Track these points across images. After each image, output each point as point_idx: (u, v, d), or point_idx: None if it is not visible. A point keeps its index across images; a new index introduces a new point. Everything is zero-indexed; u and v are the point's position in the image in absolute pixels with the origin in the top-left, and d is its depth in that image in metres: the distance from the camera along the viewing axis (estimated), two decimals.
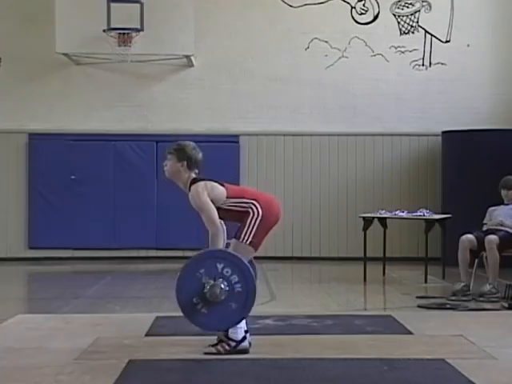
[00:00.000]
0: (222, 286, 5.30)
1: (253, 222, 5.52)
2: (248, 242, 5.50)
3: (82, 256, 12.62)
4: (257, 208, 5.54)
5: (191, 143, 5.80)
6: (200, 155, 5.73)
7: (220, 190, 5.60)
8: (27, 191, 12.69)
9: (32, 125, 12.71)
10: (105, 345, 5.87)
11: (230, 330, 5.51)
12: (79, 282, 10.46)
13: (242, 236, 5.51)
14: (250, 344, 5.60)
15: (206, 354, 5.50)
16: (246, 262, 5.41)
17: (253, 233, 5.51)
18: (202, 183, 5.61)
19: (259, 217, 5.52)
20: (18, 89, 12.70)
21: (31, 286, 10.87)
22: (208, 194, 5.53)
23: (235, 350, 5.48)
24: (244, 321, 5.59)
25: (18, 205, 12.70)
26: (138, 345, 5.89)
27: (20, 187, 12.70)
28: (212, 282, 5.31)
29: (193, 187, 5.60)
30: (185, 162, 5.68)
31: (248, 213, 5.54)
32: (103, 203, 12.63)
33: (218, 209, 5.52)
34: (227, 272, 5.33)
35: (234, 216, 5.62)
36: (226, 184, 5.70)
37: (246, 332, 5.60)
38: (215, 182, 5.68)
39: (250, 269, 5.42)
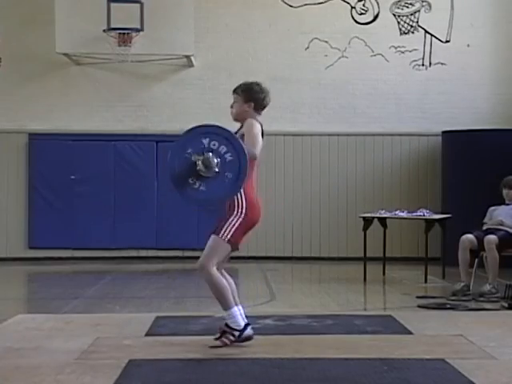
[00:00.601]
0: (213, 158, 5.27)
1: (234, 220, 5.50)
2: (226, 240, 5.49)
3: (81, 256, 12.62)
4: (242, 207, 5.52)
5: (258, 84, 5.81)
6: (266, 97, 5.81)
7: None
8: (27, 191, 12.70)
9: (32, 125, 12.72)
10: (105, 345, 5.87)
11: (231, 320, 5.52)
12: (79, 281, 10.46)
13: (222, 232, 5.49)
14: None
15: (212, 347, 5.50)
16: (229, 130, 5.41)
17: (232, 231, 5.49)
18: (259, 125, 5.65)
19: (242, 216, 5.51)
20: (17, 89, 12.71)
21: (31, 286, 10.87)
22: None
23: (241, 339, 5.50)
24: (242, 313, 5.61)
25: (18, 205, 12.71)
26: (138, 345, 5.89)
27: (20, 187, 12.71)
28: (202, 157, 5.27)
29: (250, 120, 5.65)
30: (252, 104, 5.76)
31: (233, 207, 5.52)
32: (103, 203, 12.63)
33: None
34: (214, 145, 5.31)
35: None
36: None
37: (247, 325, 5.61)
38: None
39: (235, 136, 5.42)
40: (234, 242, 5.53)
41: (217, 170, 5.28)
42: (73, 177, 12.64)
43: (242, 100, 5.77)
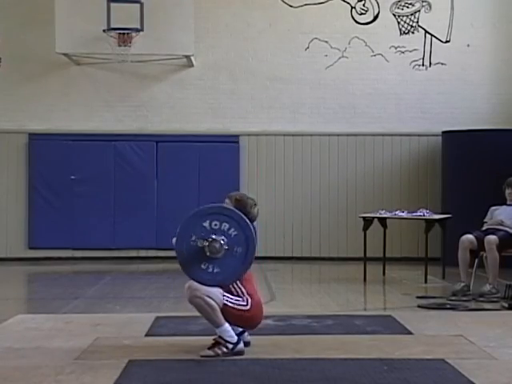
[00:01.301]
0: (218, 239, 5.33)
1: (239, 304, 5.50)
2: (223, 302, 5.45)
3: (81, 256, 12.62)
4: (248, 303, 5.54)
5: (248, 201, 5.74)
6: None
7: None
8: (27, 191, 12.69)
9: (32, 125, 12.72)
10: (105, 345, 5.87)
11: (225, 334, 5.50)
12: (79, 281, 10.46)
13: (226, 296, 5.47)
14: (248, 344, 5.64)
15: (203, 356, 5.49)
16: (228, 207, 5.47)
17: (232, 306, 5.48)
18: None
19: (246, 308, 5.51)
20: (18, 89, 12.70)
21: (31, 286, 10.87)
22: None
23: (233, 352, 5.49)
24: (229, 328, 5.59)
25: (18, 205, 12.70)
26: (138, 345, 5.89)
27: (20, 187, 12.71)
28: (207, 242, 5.32)
29: None
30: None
31: (239, 298, 5.53)
32: (103, 203, 12.63)
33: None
34: (216, 225, 5.37)
35: (226, 290, 5.56)
36: None
37: (242, 333, 5.61)
38: None
39: (235, 210, 5.45)
40: (224, 310, 5.47)
41: (226, 247, 5.34)
42: (73, 177, 12.64)
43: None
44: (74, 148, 12.68)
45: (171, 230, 13.15)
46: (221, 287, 5.48)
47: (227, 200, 5.70)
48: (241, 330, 5.66)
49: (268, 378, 4.91)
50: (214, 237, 5.34)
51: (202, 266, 5.39)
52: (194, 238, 5.37)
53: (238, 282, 5.55)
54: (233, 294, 5.54)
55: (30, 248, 12.68)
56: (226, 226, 5.38)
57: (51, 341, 6.04)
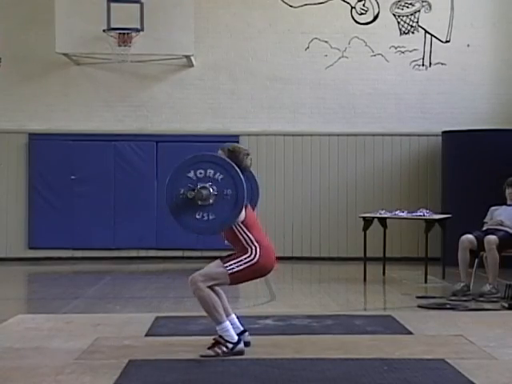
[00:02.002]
0: (206, 186, 5.34)
1: (245, 261, 5.47)
2: (229, 272, 5.46)
3: (81, 256, 12.62)
4: (256, 253, 5.49)
5: (241, 149, 5.74)
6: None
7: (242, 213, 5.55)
8: (27, 191, 12.69)
9: (32, 125, 12.72)
10: (105, 345, 5.87)
11: (225, 334, 5.50)
12: (79, 281, 10.46)
13: (229, 264, 5.47)
14: (248, 344, 5.62)
15: (203, 356, 5.48)
16: (207, 153, 5.52)
17: (239, 269, 5.46)
18: None
19: (253, 262, 5.48)
20: (18, 89, 12.70)
21: (31, 286, 10.87)
22: None
23: (232, 352, 5.48)
24: (236, 322, 5.62)
25: (18, 205, 12.71)
26: (138, 345, 5.89)
27: (20, 187, 12.71)
28: (195, 192, 5.34)
29: None
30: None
31: (246, 251, 5.50)
32: (103, 203, 12.63)
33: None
34: (201, 173, 5.39)
35: (234, 242, 5.57)
36: (247, 207, 5.62)
37: (243, 332, 5.60)
38: None
39: (216, 155, 5.50)
40: (234, 279, 5.50)
41: (215, 193, 5.35)
42: (73, 177, 12.64)
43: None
44: (74, 148, 12.68)
45: (171, 230, 13.23)
46: (226, 237, 5.54)
47: (220, 151, 5.68)
48: (242, 329, 5.66)
49: (268, 377, 4.91)
50: (201, 185, 5.34)
51: (197, 216, 5.39)
52: (182, 191, 5.37)
53: (244, 230, 5.51)
54: (241, 246, 5.49)
55: (30, 248, 12.68)
56: (211, 172, 5.38)
57: (51, 341, 6.04)
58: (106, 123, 12.77)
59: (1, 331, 6.54)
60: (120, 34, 11.50)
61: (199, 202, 5.36)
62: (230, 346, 5.48)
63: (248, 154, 5.72)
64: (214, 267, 5.51)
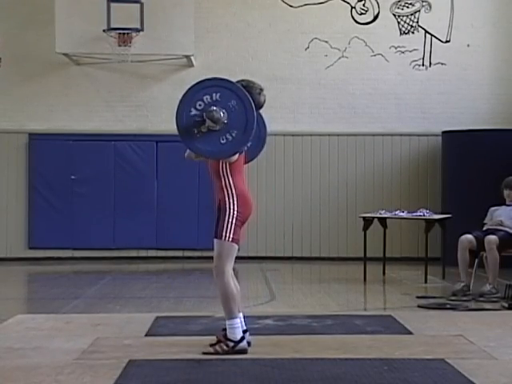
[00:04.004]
0: (214, 108, 5.32)
1: (230, 220, 5.50)
2: (231, 240, 5.50)
3: (82, 256, 12.62)
4: (233, 202, 5.52)
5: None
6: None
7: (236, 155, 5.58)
8: (27, 191, 12.69)
9: (32, 125, 12.72)
10: (105, 345, 5.86)
11: (229, 331, 5.51)
12: (79, 281, 10.47)
13: (224, 235, 5.49)
14: (249, 344, 5.61)
15: (204, 353, 5.50)
16: (216, 78, 5.48)
17: (232, 230, 5.50)
18: None
19: (235, 214, 5.51)
20: (18, 89, 12.71)
21: (31, 286, 10.87)
22: None
23: (234, 351, 5.48)
24: (242, 321, 5.61)
25: (18, 205, 12.71)
26: (138, 345, 5.89)
27: (20, 187, 12.71)
28: (203, 117, 5.32)
29: None
30: None
31: (224, 204, 5.52)
32: (103, 203, 12.63)
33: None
34: (207, 98, 5.35)
35: (215, 177, 5.59)
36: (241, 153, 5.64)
37: (244, 332, 5.60)
38: None
39: (222, 78, 5.48)
40: (237, 239, 5.55)
41: (224, 114, 5.31)
42: (73, 177, 12.64)
43: None
44: (74, 148, 12.68)
45: (171, 230, 13.18)
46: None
47: None
48: (244, 329, 5.64)
49: (268, 378, 4.91)
50: (211, 109, 5.30)
51: (221, 141, 5.35)
52: (193, 112, 5.34)
53: (228, 171, 5.51)
54: (219, 186, 5.52)
55: (30, 248, 12.68)
56: (216, 95, 5.35)
57: (51, 341, 6.04)
58: (106, 123, 12.77)
59: (1, 331, 6.54)
60: (120, 33, 11.50)
61: (207, 125, 5.31)
62: (231, 344, 5.49)
63: (262, 90, 5.72)
64: (218, 248, 5.53)
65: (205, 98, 5.36)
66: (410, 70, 12.89)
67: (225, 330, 5.58)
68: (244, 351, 5.50)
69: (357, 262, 11.11)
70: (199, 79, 5.50)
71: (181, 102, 5.39)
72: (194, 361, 5.33)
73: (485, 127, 12.29)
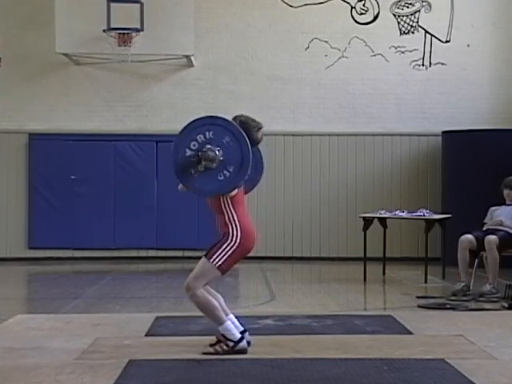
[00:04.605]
0: (208, 147, 5.33)
1: (228, 248, 5.47)
2: (217, 266, 5.46)
3: (82, 256, 12.63)
4: (236, 235, 5.49)
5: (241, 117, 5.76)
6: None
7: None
8: (27, 191, 12.69)
9: (32, 125, 12.72)
10: (105, 345, 5.86)
11: (227, 332, 5.51)
12: (79, 281, 10.47)
13: (214, 257, 5.46)
14: (248, 343, 5.61)
15: (204, 353, 5.50)
16: (208, 116, 5.48)
17: (224, 258, 5.46)
18: None
19: (235, 245, 5.48)
20: (17, 89, 12.71)
21: (31, 286, 10.87)
22: None
23: (234, 350, 5.48)
24: (235, 322, 5.62)
25: (18, 205, 12.71)
26: (138, 345, 5.89)
27: (20, 187, 12.71)
28: (199, 157, 5.32)
29: None
30: None
31: (227, 234, 5.50)
32: (103, 203, 12.63)
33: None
34: (200, 138, 5.37)
35: (217, 213, 5.57)
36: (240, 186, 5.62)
37: (243, 332, 5.61)
38: None
39: (214, 116, 5.47)
40: (224, 269, 5.51)
41: (219, 152, 5.31)
42: (73, 177, 12.64)
43: None
44: (74, 148, 12.68)
45: (171, 230, 13.18)
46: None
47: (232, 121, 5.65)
48: (242, 329, 5.65)
49: (268, 378, 4.91)
50: (206, 149, 5.32)
51: (219, 177, 5.36)
52: (188, 152, 5.36)
53: (230, 205, 5.49)
54: (223, 221, 5.50)
55: (30, 248, 12.68)
56: (210, 134, 5.36)
57: (51, 341, 6.04)
58: (106, 123, 12.77)
59: (1, 331, 6.54)
60: (120, 33, 11.50)
61: (213, 166, 5.31)
62: (231, 344, 5.49)
63: (260, 128, 5.69)
64: (201, 266, 5.50)
65: (198, 137, 5.38)
66: (410, 70, 12.89)
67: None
68: (244, 351, 5.51)
69: (357, 262, 11.11)
70: (194, 118, 5.53)
71: (175, 143, 5.41)
72: (194, 361, 5.33)
73: (485, 127, 12.29)
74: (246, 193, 5.73)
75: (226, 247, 5.48)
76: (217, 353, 5.49)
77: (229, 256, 5.47)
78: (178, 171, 5.39)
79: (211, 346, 5.56)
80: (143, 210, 12.62)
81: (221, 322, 5.50)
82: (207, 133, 5.38)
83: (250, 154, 5.38)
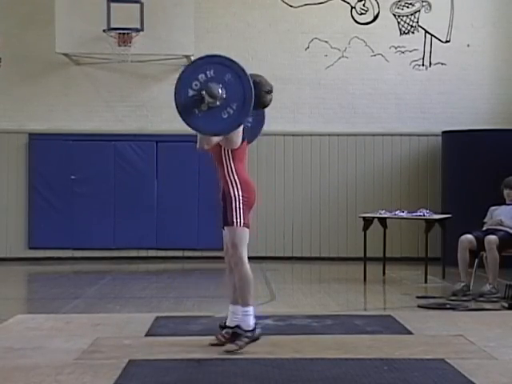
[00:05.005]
0: (211, 84, 5.32)
1: (236, 205, 5.53)
2: (242, 225, 5.54)
3: (81, 256, 12.62)
4: (237, 189, 5.56)
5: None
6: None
7: (239, 138, 5.60)
8: (27, 191, 12.69)
9: (32, 125, 12.72)
10: (105, 345, 5.87)
11: (245, 318, 5.55)
12: (79, 281, 10.46)
13: (234, 221, 5.53)
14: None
15: (227, 352, 5.49)
16: (208, 55, 5.46)
17: (241, 215, 5.53)
18: None
19: (241, 199, 5.55)
20: (17, 89, 12.70)
21: (31, 286, 10.87)
22: None
23: (253, 338, 5.54)
24: (253, 311, 5.63)
25: (18, 205, 12.70)
26: (138, 345, 5.89)
27: (20, 187, 12.71)
28: (201, 96, 5.32)
29: None
30: None
31: (229, 194, 5.55)
32: (103, 203, 12.63)
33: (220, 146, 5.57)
34: (202, 77, 5.34)
35: (218, 164, 5.63)
36: (244, 142, 5.67)
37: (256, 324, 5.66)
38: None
39: (213, 54, 5.50)
40: (247, 224, 5.59)
41: (221, 90, 5.31)
42: (73, 177, 12.64)
43: None
44: (74, 148, 12.68)
45: (171, 230, 13.17)
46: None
47: None
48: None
49: (268, 378, 4.91)
50: (209, 85, 5.30)
51: (223, 115, 5.37)
52: (190, 92, 5.33)
53: (231, 158, 5.56)
54: (222, 173, 5.58)
55: (30, 248, 12.68)
56: (210, 73, 5.35)
57: (51, 341, 6.04)
58: (106, 123, 12.77)
59: (1, 331, 6.54)
60: (120, 33, 11.50)
61: (207, 102, 5.31)
62: (250, 334, 5.55)
63: (270, 92, 5.71)
64: (231, 235, 5.55)
65: (200, 76, 5.36)
66: (410, 70, 12.89)
67: (222, 327, 5.63)
68: (259, 337, 5.57)
69: (357, 262, 11.11)
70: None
71: (177, 86, 5.40)
72: (194, 361, 5.33)
73: (485, 127, 12.29)
74: (248, 142, 5.79)
75: (236, 205, 5.53)
76: (241, 348, 5.50)
77: (243, 211, 5.53)
78: (183, 112, 5.38)
79: (231, 342, 5.53)
80: (143, 210, 12.62)
81: (247, 303, 5.53)
82: (208, 71, 5.37)
83: (252, 91, 5.39)
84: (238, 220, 5.53)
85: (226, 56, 5.49)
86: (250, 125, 5.70)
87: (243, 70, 5.41)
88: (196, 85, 5.35)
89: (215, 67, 5.37)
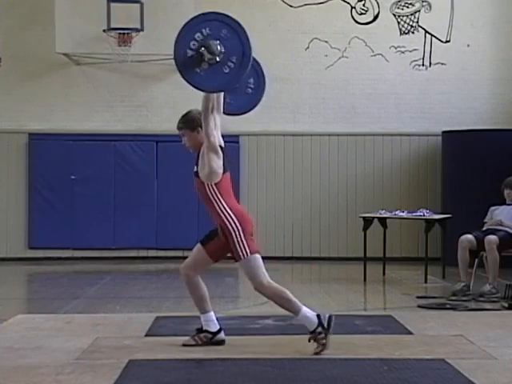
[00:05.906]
0: (208, 41, 5.30)
1: (238, 237, 5.54)
2: (249, 254, 5.53)
3: (81, 256, 12.62)
4: (234, 222, 5.55)
5: (193, 110, 5.92)
6: None
7: (220, 162, 5.63)
8: (27, 191, 12.69)
9: (32, 125, 12.72)
10: (105, 345, 5.87)
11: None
12: (79, 282, 10.47)
13: (241, 254, 5.53)
14: (223, 342, 5.78)
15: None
16: (201, 14, 5.43)
17: (246, 244, 5.53)
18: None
19: (240, 230, 5.54)
20: (18, 89, 12.70)
21: (31, 286, 10.86)
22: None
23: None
24: (214, 317, 5.79)
25: (18, 205, 12.70)
26: (138, 345, 5.89)
27: (20, 187, 12.71)
28: (203, 48, 5.30)
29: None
30: (199, 128, 5.83)
31: (226, 228, 5.55)
32: (103, 203, 12.63)
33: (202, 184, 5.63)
34: (198, 36, 5.32)
35: (207, 204, 5.65)
36: (225, 174, 5.66)
37: (220, 330, 5.79)
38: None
39: (206, 12, 5.46)
40: (256, 249, 5.58)
41: (219, 46, 5.32)
42: (73, 177, 12.64)
43: (189, 131, 5.91)
44: (74, 148, 12.68)
45: (171, 230, 13.17)
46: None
47: None
48: (218, 327, 5.79)
49: (268, 378, 4.91)
50: (209, 43, 5.29)
51: (224, 70, 5.36)
52: (189, 52, 5.32)
53: (217, 194, 5.57)
54: (215, 212, 5.59)
55: (30, 248, 12.68)
56: (207, 31, 5.35)
57: (51, 341, 6.03)
58: (106, 123, 12.77)
59: (1, 331, 6.54)
60: (120, 33, 11.51)
61: (207, 60, 5.30)
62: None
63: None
64: (246, 268, 5.57)
65: (196, 36, 5.35)
66: (410, 70, 12.89)
67: (199, 330, 5.77)
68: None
69: (357, 262, 11.11)
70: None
71: (175, 48, 5.38)
72: (194, 361, 5.34)
73: (485, 127, 12.29)
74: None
75: (237, 238, 5.54)
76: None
77: (245, 239, 5.52)
78: (184, 73, 5.36)
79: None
80: (143, 210, 12.63)
81: (299, 310, 5.57)
82: (204, 30, 5.36)
83: (250, 43, 5.41)
84: (244, 251, 5.52)
85: (221, 12, 5.48)
86: (232, 102, 5.69)
87: (238, 24, 5.40)
88: (194, 44, 5.35)
89: (210, 24, 5.37)
